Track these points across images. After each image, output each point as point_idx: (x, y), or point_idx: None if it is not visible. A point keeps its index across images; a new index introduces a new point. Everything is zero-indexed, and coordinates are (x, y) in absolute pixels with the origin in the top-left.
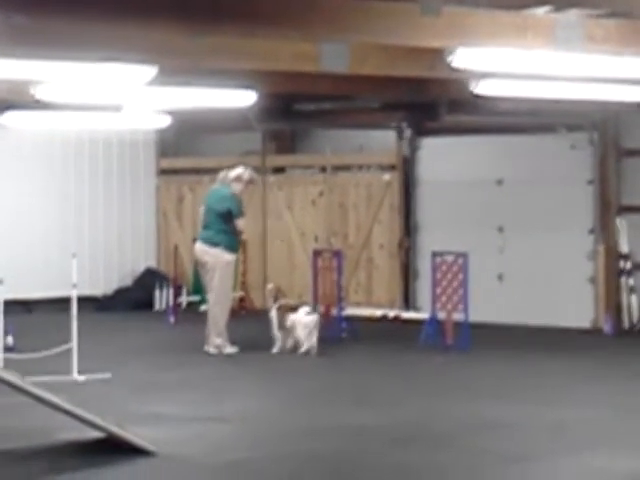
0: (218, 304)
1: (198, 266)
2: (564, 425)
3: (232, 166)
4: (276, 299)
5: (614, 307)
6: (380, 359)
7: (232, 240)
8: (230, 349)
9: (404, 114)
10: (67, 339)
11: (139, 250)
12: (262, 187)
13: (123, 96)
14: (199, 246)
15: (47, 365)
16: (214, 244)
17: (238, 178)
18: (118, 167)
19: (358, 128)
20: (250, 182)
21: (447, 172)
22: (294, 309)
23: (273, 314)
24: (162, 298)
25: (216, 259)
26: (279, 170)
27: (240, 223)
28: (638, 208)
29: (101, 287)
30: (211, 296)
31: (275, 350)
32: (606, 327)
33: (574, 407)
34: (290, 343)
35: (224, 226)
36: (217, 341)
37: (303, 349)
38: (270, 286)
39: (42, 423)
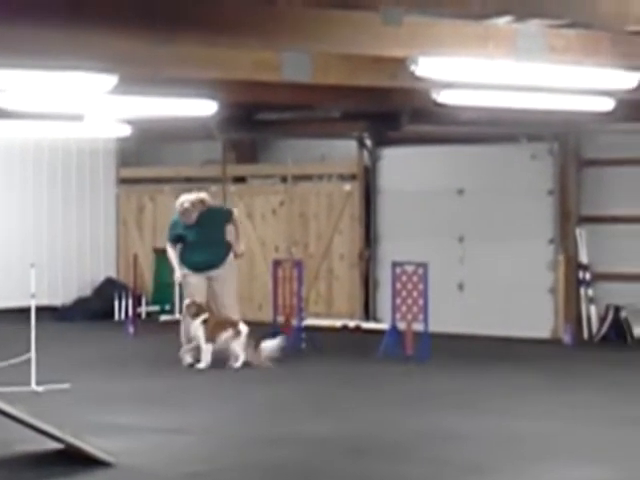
0: None
1: None
2: (522, 436)
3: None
4: (197, 314)
5: (574, 317)
6: (340, 370)
7: (181, 257)
8: (186, 360)
9: (365, 124)
10: (26, 349)
11: (98, 260)
12: (222, 196)
13: (84, 105)
14: None
15: (5, 376)
16: None
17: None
18: (78, 176)
19: (319, 138)
20: (182, 212)
21: (408, 182)
22: (223, 324)
23: (197, 328)
24: (122, 308)
25: None
26: (240, 180)
27: (167, 247)
28: (598, 218)
29: (60, 297)
30: None
31: (203, 365)
32: (566, 337)
33: (533, 418)
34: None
35: None
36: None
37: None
38: (187, 301)
39: None
